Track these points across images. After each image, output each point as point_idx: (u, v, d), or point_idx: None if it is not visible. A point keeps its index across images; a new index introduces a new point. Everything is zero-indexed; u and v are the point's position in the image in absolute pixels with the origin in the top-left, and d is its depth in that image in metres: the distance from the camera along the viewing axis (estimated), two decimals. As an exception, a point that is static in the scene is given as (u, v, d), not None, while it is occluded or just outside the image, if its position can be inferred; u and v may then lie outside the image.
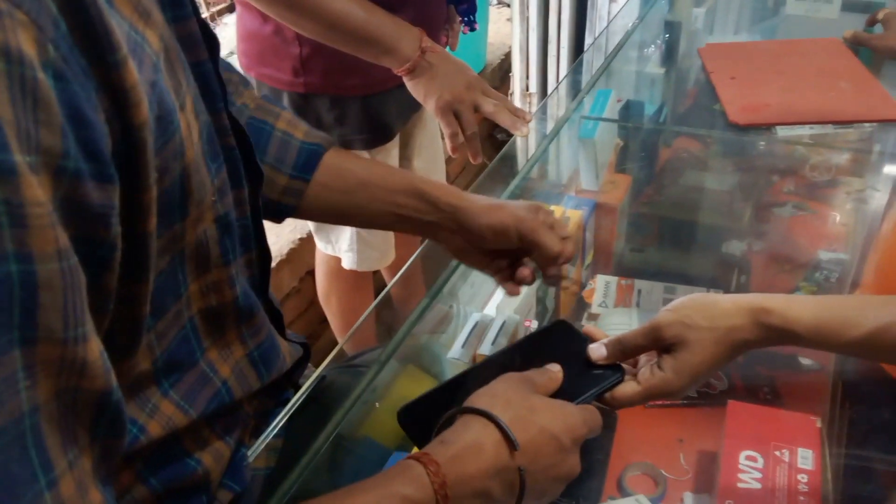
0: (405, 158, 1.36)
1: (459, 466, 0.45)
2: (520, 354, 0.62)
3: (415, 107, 1.20)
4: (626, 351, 0.62)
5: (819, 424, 0.72)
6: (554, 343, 0.64)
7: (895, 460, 0.71)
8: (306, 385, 0.64)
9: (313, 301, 1.56)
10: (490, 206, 0.68)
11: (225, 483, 0.48)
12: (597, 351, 0.61)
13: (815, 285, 1.00)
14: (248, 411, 0.52)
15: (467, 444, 0.46)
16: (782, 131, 1.19)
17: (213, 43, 0.47)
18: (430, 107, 0.94)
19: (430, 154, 1.40)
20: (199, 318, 0.44)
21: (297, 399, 0.62)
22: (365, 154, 1.19)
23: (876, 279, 0.88)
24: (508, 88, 2.43)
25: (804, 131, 1.19)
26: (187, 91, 0.41)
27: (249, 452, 0.54)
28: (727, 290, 0.96)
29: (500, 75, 2.52)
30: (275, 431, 0.57)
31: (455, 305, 0.88)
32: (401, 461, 0.46)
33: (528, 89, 2.33)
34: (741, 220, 1.12)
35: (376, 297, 1.38)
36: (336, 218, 0.73)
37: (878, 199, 1.08)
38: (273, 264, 1.58)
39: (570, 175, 1.05)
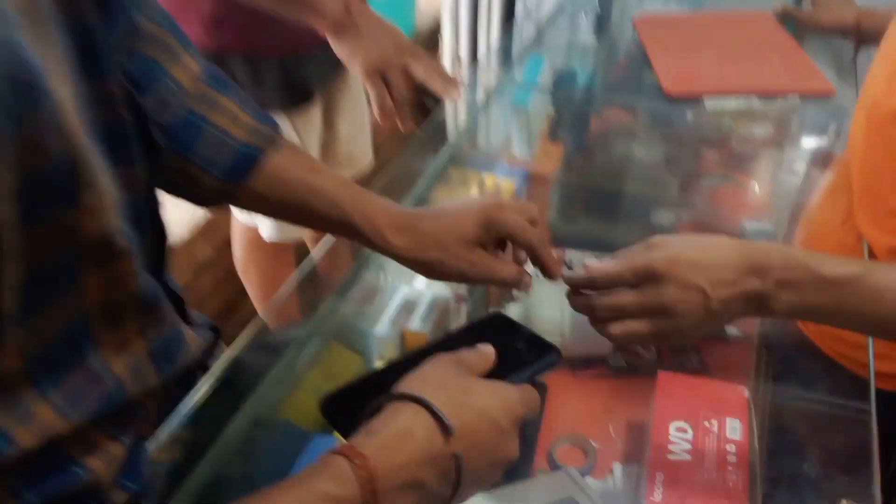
0: (329, 124, 1.29)
1: (388, 456, 0.42)
2: (453, 345, 0.59)
3: (338, 69, 1.15)
4: (598, 279, 0.60)
5: (746, 394, 0.72)
6: (489, 333, 0.61)
7: (818, 424, 0.73)
8: (214, 367, 0.59)
9: (231, 271, 1.49)
10: (435, 241, 0.61)
11: (120, 483, 0.43)
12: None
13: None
14: (148, 407, 0.47)
15: (396, 432, 0.43)
16: (711, 102, 1.19)
17: None
18: (355, 69, 0.89)
19: (354, 119, 1.34)
20: (95, 312, 0.39)
21: (203, 384, 0.57)
22: (283, 118, 1.13)
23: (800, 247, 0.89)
24: (438, 55, 2.38)
25: (732, 103, 1.20)
26: (61, 53, 0.36)
27: (152, 446, 0.49)
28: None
29: (429, 42, 2.46)
30: (179, 421, 0.53)
31: (383, 277, 0.84)
32: (323, 456, 0.42)
33: (458, 56, 2.28)
34: (670, 191, 1.13)
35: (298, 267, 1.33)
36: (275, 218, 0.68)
37: (802, 169, 1.11)
38: (187, 235, 1.50)
39: (501, 143, 1.02)
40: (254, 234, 1.30)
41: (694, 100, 1.19)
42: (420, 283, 0.82)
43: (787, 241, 0.95)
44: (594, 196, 1.09)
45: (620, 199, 1.10)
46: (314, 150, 1.27)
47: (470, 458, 0.45)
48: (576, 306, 0.61)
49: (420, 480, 0.43)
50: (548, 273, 0.64)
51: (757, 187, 1.14)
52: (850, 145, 0.88)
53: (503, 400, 0.48)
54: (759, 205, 1.12)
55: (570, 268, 0.64)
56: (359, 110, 1.35)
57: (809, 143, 1.17)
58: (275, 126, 0.62)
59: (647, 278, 0.57)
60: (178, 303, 0.54)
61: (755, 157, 1.18)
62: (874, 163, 0.82)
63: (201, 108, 0.57)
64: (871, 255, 0.82)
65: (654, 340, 0.59)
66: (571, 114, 1.13)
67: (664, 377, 0.75)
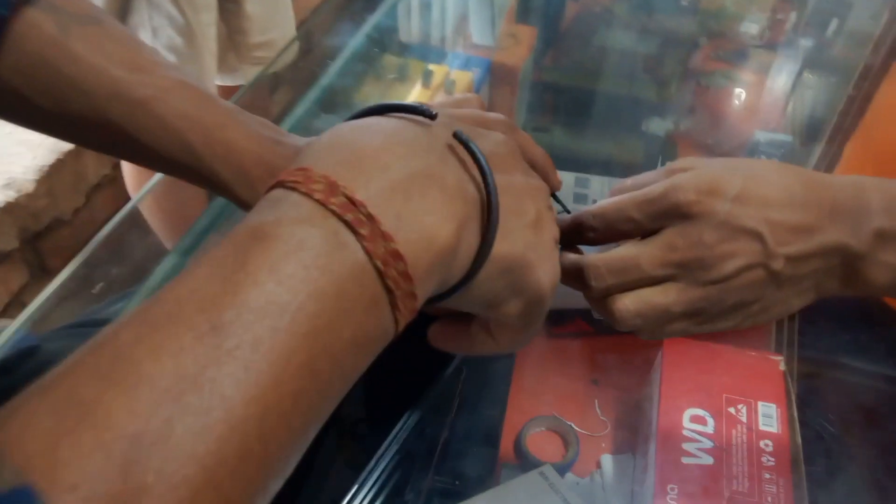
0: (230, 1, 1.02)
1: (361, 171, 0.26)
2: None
3: None
4: (588, 220, 0.39)
5: (783, 367, 0.54)
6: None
7: (878, 408, 0.55)
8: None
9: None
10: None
11: None
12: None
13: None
14: None
15: (348, 131, 0.28)
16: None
17: None
18: None
19: None
20: None
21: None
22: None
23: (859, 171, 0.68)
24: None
25: None
26: None
27: None
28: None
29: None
30: None
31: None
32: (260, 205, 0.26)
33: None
34: (663, 93, 0.91)
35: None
36: (42, 127, 0.40)
37: (835, 62, 0.89)
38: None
39: (455, 24, 0.78)
40: None
41: None
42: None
43: (823, 159, 0.74)
44: (572, 97, 0.86)
45: (604, 101, 0.88)
46: (209, 41, 0.99)
47: (485, 150, 0.30)
48: (564, 267, 0.40)
49: (420, 174, 0.27)
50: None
51: (767, 89, 0.93)
52: None
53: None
54: (770, 111, 0.91)
55: (557, 200, 0.43)
56: None
57: (847, 29, 0.94)
58: None
59: (669, 216, 0.36)
60: None
61: (765, 49, 0.97)
62: None
63: None
64: None
65: (687, 327, 0.37)
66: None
67: (671, 345, 0.55)
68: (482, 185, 0.29)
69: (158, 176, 0.60)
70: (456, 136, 0.29)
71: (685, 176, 0.36)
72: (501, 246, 0.30)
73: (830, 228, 0.35)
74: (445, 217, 0.27)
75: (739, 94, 0.91)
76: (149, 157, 0.38)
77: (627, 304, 0.36)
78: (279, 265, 0.23)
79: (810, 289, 0.37)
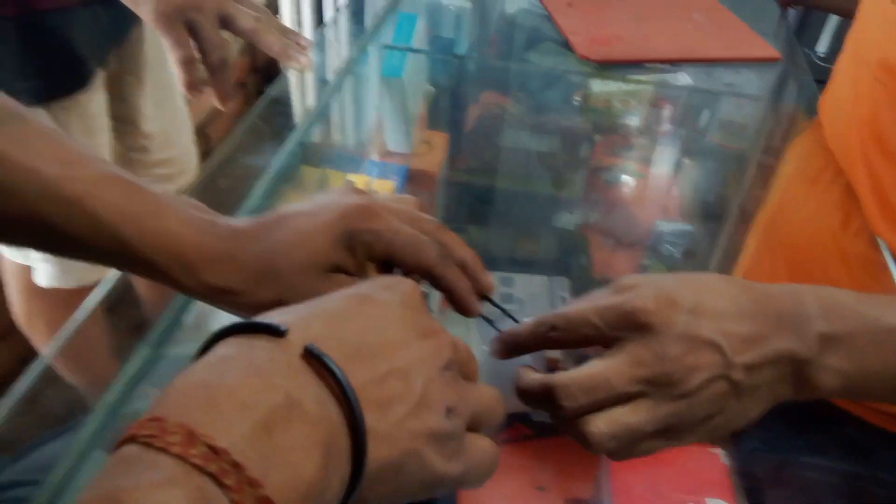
0: (123, 119, 0.97)
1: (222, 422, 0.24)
2: None
3: (125, 24, 0.83)
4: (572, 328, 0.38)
5: (724, 459, 0.54)
6: None
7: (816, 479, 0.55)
8: None
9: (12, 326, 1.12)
10: (269, 272, 0.38)
11: None
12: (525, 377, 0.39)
13: (662, 262, 0.85)
14: None
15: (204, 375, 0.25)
16: (604, 83, 1.02)
17: None
18: (146, 14, 0.59)
19: (163, 104, 1.02)
20: None
21: None
22: (42, 113, 0.80)
23: (770, 261, 0.72)
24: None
25: (642, 74, 1.02)
26: None
27: None
28: (569, 276, 0.77)
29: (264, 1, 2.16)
30: None
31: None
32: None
33: (299, 17, 2.00)
34: (569, 188, 0.94)
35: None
36: None
37: (718, 159, 0.96)
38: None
39: (369, 132, 0.78)
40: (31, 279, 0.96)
41: (614, 66, 1.00)
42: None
43: (726, 248, 0.78)
44: (484, 197, 0.88)
45: (514, 199, 0.90)
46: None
47: (353, 337, 0.28)
48: (523, 390, 0.39)
49: (279, 407, 0.25)
50: (461, 309, 0.41)
51: (665, 182, 0.99)
52: (830, 125, 0.71)
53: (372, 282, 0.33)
54: (665, 200, 0.96)
55: (493, 304, 0.42)
56: (168, 91, 1.02)
57: (733, 125, 1.02)
58: None
59: (628, 325, 0.36)
60: None
61: (655, 144, 1.03)
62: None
63: None
64: None
65: (658, 444, 0.36)
66: (454, 93, 0.91)
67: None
68: (343, 401, 0.27)
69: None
70: (308, 352, 0.27)
71: (641, 289, 0.37)
72: (381, 452, 0.27)
73: (778, 336, 0.36)
74: (309, 449, 0.25)
75: (635, 186, 0.96)
76: (83, 251, 0.37)
77: (601, 426, 0.36)
78: None
79: (766, 397, 0.37)
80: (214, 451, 0.22)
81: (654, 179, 1.00)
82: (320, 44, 0.88)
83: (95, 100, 0.87)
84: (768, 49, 1.04)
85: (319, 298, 0.31)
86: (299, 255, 0.37)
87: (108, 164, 0.38)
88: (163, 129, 1.02)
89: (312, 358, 0.27)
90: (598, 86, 1.04)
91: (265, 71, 2.15)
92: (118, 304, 0.52)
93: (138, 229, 0.36)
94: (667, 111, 1.08)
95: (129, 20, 0.84)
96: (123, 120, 0.99)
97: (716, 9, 1.15)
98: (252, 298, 0.38)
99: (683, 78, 1.00)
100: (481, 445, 0.32)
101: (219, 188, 0.58)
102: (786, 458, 0.58)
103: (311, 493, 0.24)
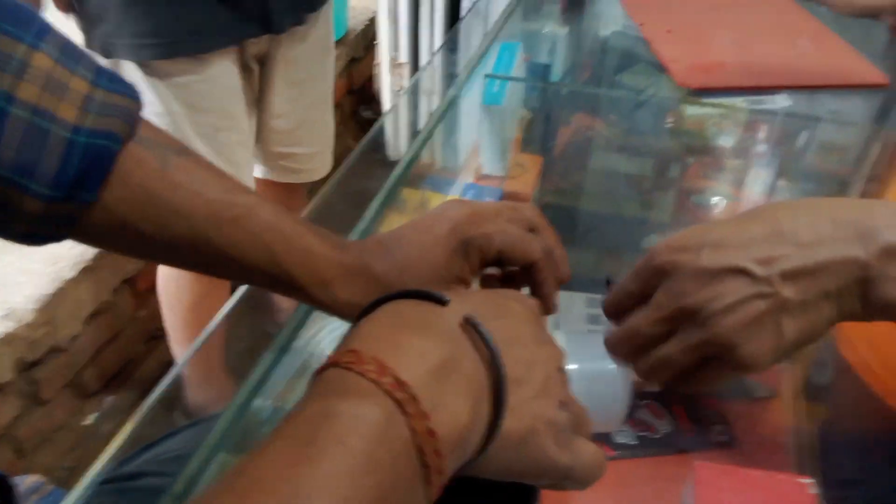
0: (269, 87, 1.04)
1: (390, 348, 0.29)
2: None
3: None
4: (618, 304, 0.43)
5: (813, 490, 0.54)
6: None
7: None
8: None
9: (134, 318, 1.23)
10: (397, 286, 0.40)
11: None
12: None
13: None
14: None
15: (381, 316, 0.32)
16: (702, 106, 1.02)
17: None
18: None
19: (315, 92, 1.10)
20: None
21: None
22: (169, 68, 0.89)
23: None
24: (374, 59, 2.17)
25: (729, 103, 1.01)
26: None
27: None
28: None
29: (364, 44, 2.25)
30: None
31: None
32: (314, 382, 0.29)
33: (397, 59, 2.08)
34: (659, 211, 0.95)
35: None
36: (143, 253, 0.46)
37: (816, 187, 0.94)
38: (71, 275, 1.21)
39: (466, 156, 0.81)
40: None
41: (718, 93, 1.00)
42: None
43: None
44: (575, 219, 0.89)
45: (604, 222, 0.92)
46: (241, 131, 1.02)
47: (494, 326, 0.32)
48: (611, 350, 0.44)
49: (446, 360, 0.30)
50: (545, 303, 0.45)
51: (759, 203, 0.98)
52: None
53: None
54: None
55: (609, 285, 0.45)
56: (308, 94, 1.10)
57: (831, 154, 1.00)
58: (136, 98, 0.40)
59: (653, 278, 0.39)
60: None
61: (749, 167, 1.02)
62: None
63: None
64: None
65: (701, 375, 0.39)
66: (548, 117, 0.94)
67: (702, 470, 0.55)
68: (491, 367, 0.31)
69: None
70: (467, 321, 0.32)
71: (658, 243, 0.40)
72: (509, 423, 0.31)
73: (836, 243, 0.36)
74: (465, 399, 0.29)
75: (726, 208, 0.95)
76: (237, 268, 0.42)
77: (640, 364, 0.41)
78: (346, 438, 0.26)
79: (829, 309, 0.37)
80: (400, 382, 0.27)
81: (746, 201, 0.99)
82: (414, 86, 0.93)
83: (236, 77, 0.96)
84: (876, 74, 1.01)
85: (466, 291, 0.37)
86: (422, 268, 0.42)
87: (253, 191, 0.44)
88: (290, 126, 1.11)
89: (470, 326, 0.32)
90: (693, 109, 1.04)
91: (360, 92, 2.24)
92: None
93: (286, 246, 0.42)
94: (762, 133, 1.07)
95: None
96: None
97: (823, 33, 1.12)
98: None
99: (782, 100, 0.99)
100: (588, 447, 0.35)
101: (334, 211, 0.64)
102: (856, 480, 0.57)
103: (461, 437, 0.29)
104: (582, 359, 0.57)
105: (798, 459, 0.61)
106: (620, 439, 0.66)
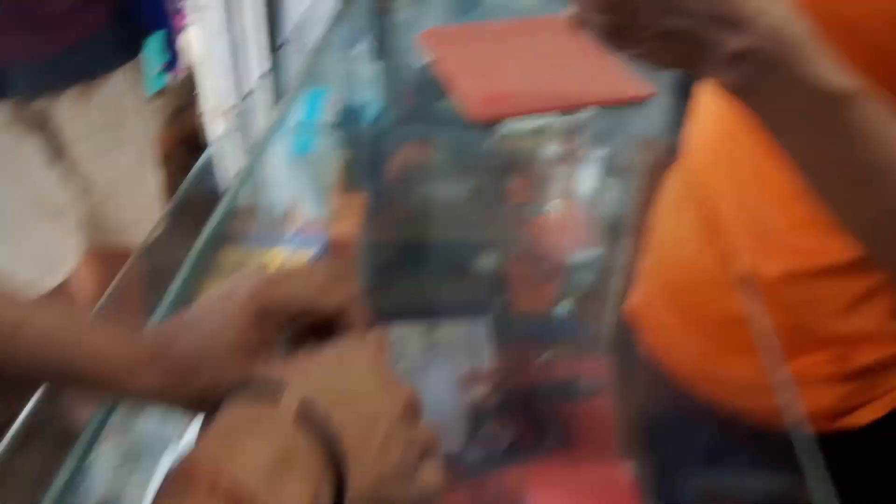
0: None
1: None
2: None
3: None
4: None
5: (630, 473, 0.60)
6: None
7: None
8: None
9: None
10: (200, 362, 0.42)
11: None
12: None
13: (579, 290, 0.92)
14: None
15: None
16: (508, 126, 1.08)
17: None
18: None
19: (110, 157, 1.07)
20: None
21: None
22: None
23: (658, 276, 0.77)
24: (197, 108, 2.11)
25: (532, 123, 1.09)
26: None
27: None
28: (493, 315, 0.83)
29: (185, 95, 2.18)
30: None
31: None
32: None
33: (222, 105, 2.04)
34: (487, 230, 1.00)
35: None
36: None
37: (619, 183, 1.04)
38: None
39: (286, 207, 0.82)
40: None
41: (497, 123, 1.07)
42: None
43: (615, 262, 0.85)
44: (408, 251, 0.93)
45: (437, 249, 0.96)
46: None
47: (332, 400, 0.35)
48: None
49: (281, 454, 0.32)
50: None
51: (574, 211, 1.06)
52: (695, 156, 0.71)
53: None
54: (584, 230, 1.03)
55: None
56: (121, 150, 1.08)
57: (621, 152, 1.10)
58: None
59: None
60: None
61: (564, 176, 1.10)
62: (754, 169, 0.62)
63: None
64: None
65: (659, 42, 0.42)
66: (365, 156, 0.96)
67: (533, 476, 0.60)
68: (329, 450, 0.34)
69: None
70: (303, 414, 0.34)
71: None
72: (356, 483, 0.34)
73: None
74: (306, 485, 0.32)
75: (552, 216, 1.03)
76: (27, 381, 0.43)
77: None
78: None
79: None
80: (236, 482, 0.30)
81: (572, 206, 1.07)
82: (243, 124, 0.93)
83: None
84: (645, 87, 1.12)
85: (304, 362, 0.38)
86: (222, 342, 0.41)
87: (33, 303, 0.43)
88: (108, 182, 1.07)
89: (305, 419, 0.33)
90: (509, 127, 1.10)
91: (193, 140, 2.18)
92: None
93: (71, 350, 0.41)
94: (578, 140, 1.15)
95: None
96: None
97: (600, 54, 1.22)
98: (188, 390, 0.42)
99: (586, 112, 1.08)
100: (430, 474, 0.38)
101: (150, 271, 0.62)
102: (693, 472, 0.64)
103: None
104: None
105: (625, 449, 0.67)
106: (469, 457, 0.69)
